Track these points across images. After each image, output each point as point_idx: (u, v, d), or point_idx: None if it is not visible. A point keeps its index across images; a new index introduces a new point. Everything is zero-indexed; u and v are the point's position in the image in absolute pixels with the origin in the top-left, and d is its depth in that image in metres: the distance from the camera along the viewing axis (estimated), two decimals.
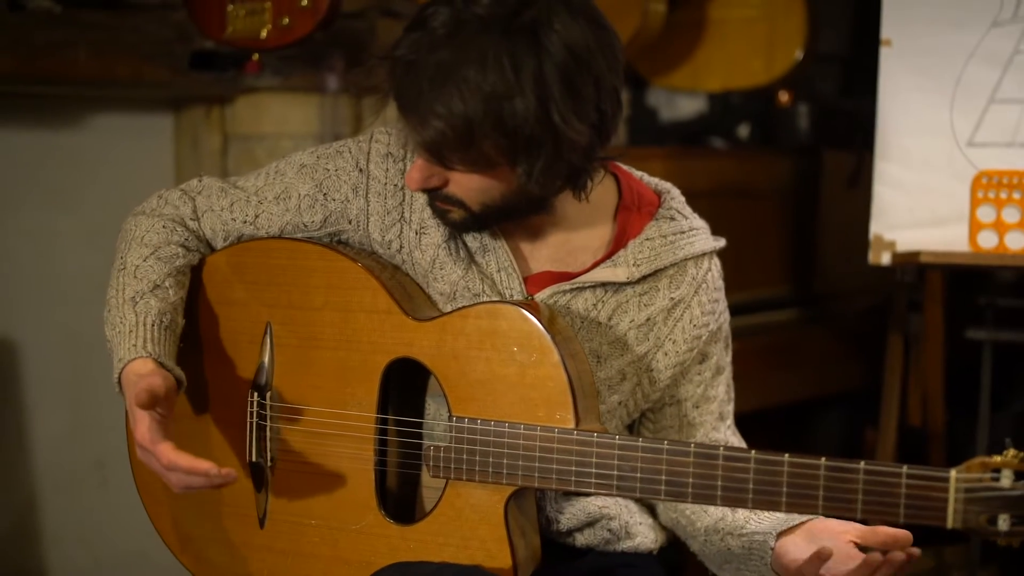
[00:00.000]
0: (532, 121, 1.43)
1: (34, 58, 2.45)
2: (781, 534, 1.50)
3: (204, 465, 1.48)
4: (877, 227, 2.48)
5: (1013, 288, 2.97)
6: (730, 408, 1.72)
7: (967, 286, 2.92)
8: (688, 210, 1.69)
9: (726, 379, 1.70)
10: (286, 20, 2.36)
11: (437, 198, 1.55)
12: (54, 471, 2.76)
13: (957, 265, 2.46)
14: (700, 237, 1.66)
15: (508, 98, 1.42)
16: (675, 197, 1.69)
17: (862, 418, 3.14)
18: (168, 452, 1.48)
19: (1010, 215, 2.36)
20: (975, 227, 2.38)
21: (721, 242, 1.69)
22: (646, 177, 1.71)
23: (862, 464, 1.35)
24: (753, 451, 1.40)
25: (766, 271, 3.09)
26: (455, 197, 1.54)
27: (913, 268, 2.50)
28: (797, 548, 1.48)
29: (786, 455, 1.38)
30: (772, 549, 1.51)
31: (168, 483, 1.52)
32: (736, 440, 1.71)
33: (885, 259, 2.46)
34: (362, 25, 2.87)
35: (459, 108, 1.42)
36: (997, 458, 1.31)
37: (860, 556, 1.42)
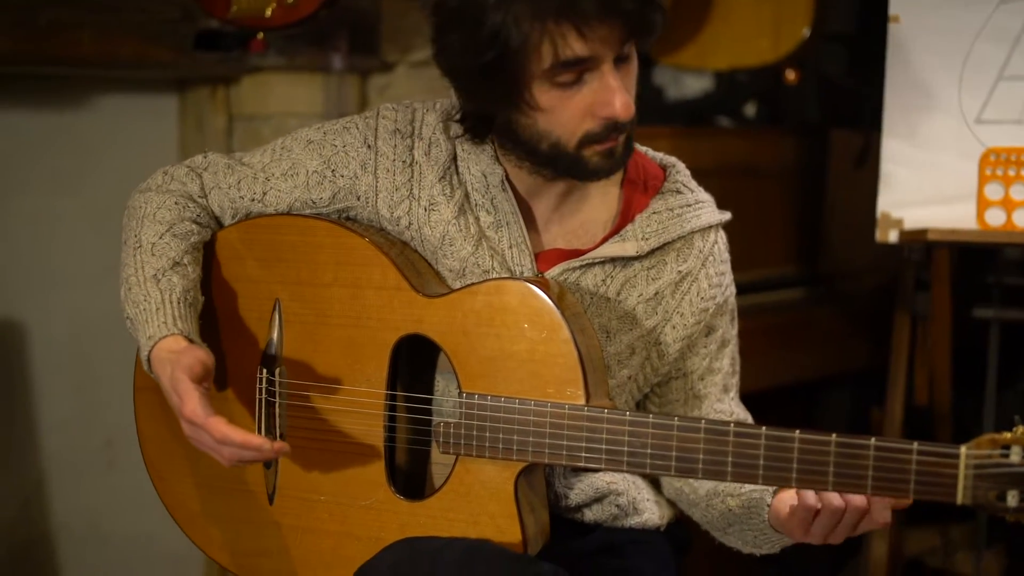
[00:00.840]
0: None
1: (38, 39, 2.45)
2: (777, 491, 1.51)
3: (257, 439, 1.49)
4: (884, 204, 2.47)
5: (1021, 266, 2.96)
6: (735, 381, 1.72)
7: (974, 264, 2.91)
8: (693, 183, 1.69)
9: (731, 352, 1.71)
10: None
11: (621, 127, 1.50)
12: (61, 453, 2.76)
13: (965, 243, 2.45)
14: (706, 210, 1.66)
15: None
16: (680, 171, 1.69)
17: (869, 397, 3.13)
18: (221, 426, 1.49)
19: (1018, 192, 2.35)
20: (983, 205, 2.37)
21: (727, 215, 1.69)
22: (651, 152, 1.71)
23: (872, 440, 1.35)
24: (764, 427, 1.40)
25: (773, 250, 3.08)
26: (631, 113, 1.50)
27: (920, 246, 2.49)
28: (792, 500, 1.48)
29: (797, 431, 1.38)
30: (769, 506, 1.52)
31: (219, 457, 1.52)
32: (741, 412, 1.71)
33: (892, 237, 2.45)
34: (367, 4, 2.86)
35: None
36: (1007, 434, 1.31)
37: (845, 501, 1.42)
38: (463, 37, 1.46)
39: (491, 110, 1.54)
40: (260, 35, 2.51)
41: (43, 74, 2.65)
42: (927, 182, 2.43)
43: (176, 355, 1.53)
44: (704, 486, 1.64)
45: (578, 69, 1.46)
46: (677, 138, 2.82)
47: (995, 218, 2.37)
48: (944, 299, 2.64)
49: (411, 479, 1.61)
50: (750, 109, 3.54)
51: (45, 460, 2.74)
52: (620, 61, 1.48)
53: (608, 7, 1.41)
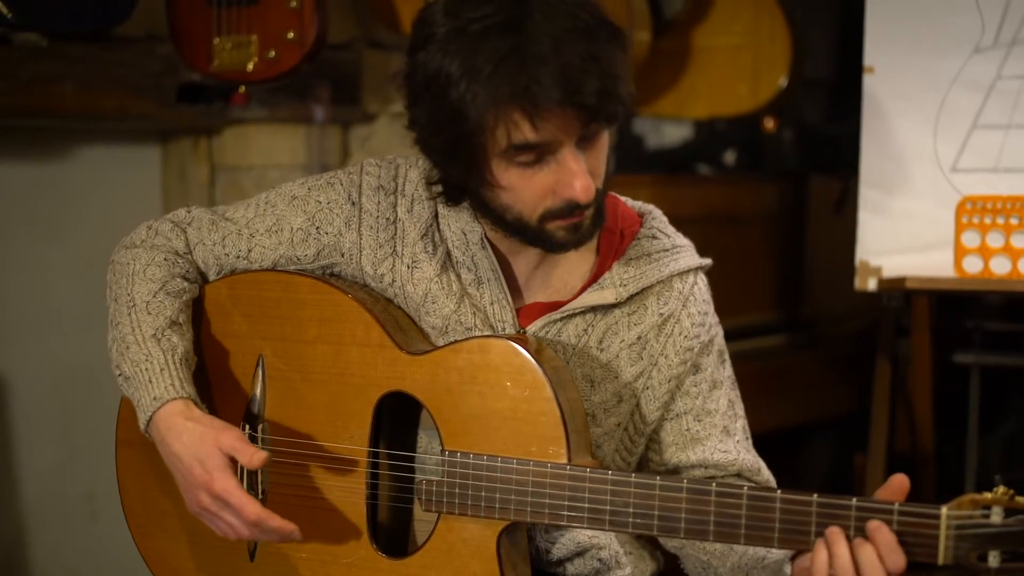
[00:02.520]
0: None
1: (21, 92, 2.46)
2: (795, 556, 1.49)
3: (291, 525, 1.51)
4: (863, 253, 2.49)
5: (1000, 311, 2.98)
6: (738, 425, 1.68)
7: (954, 310, 2.93)
8: (671, 229, 1.69)
9: (726, 393, 1.68)
10: (272, 53, 2.37)
11: (584, 204, 1.49)
12: (43, 504, 2.74)
13: (943, 291, 2.47)
14: (685, 254, 1.66)
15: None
16: (656, 217, 1.69)
17: (852, 443, 3.14)
18: (255, 507, 1.50)
19: (994, 240, 2.38)
20: (960, 252, 2.39)
21: (707, 261, 1.69)
22: (628, 201, 1.72)
23: (854, 501, 1.34)
24: (745, 486, 1.40)
25: (754, 297, 3.10)
26: (596, 188, 1.50)
27: (900, 293, 2.51)
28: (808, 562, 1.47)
29: (778, 492, 1.38)
30: (789, 574, 1.50)
31: (230, 533, 1.53)
32: (751, 458, 1.68)
33: (871, 285, 2.47)
34: (348, 56, 2.88)
35: (609, 54, 1.44)
36: (987, 495, 1.31)
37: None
38: (428, 111, 1.48)
39: (458, 182, 1.55)
40: (242, 88, 2.53)
41: (27, 126, 2.66)
42: (904, 230, 2.46)
43: (208, 426, 1.53)
44: (730, 559, 1.62)
45: (535, 152, 1.46)
46: (658, 186, 2.85)
47: (972, 266, 2.39)
48: (924, 346, 2.66)
49: (394, 536, 1.60)
50: (730, 157, 3.58)
51: (27, 510, 2.73)
52: (585, 141, 1.48)
53: (563, 99, 1.40)
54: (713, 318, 1.69)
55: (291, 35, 2.37)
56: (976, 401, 2.69)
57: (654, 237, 1.66)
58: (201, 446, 1.52)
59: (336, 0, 2.64)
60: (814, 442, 3.39)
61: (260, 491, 1.63)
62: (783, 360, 3.11)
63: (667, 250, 1.65)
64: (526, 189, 1.49)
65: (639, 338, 1.62)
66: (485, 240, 1.61)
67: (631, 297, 1.62)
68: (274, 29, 2.38)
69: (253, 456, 1.51)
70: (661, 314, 1.63)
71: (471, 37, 1.43)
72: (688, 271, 1.66)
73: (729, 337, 2.65)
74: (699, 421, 1.66)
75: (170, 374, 1.57)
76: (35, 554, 2.73)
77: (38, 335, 2.74)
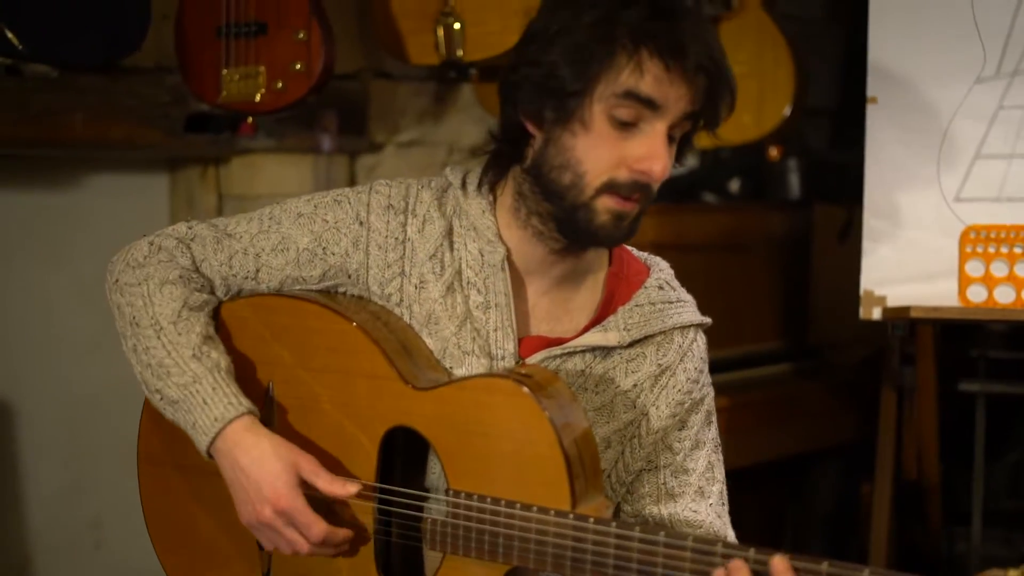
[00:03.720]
0: None
1: (31, 122, 2.47)
2: None
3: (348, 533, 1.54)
4: (867, 282, 2.49)
5: (1005, 340, 2.98)
6: (715, 489, 1.65)
7: (959, 338, 2.93)
8: (676, 283, 1.70)
9: (707, 455, 1.66)
10: (280, 84, 2.39)
11: (643, 191, 1.51)
12: (48, 532, 2.74)
13: (947, 320, 2.47)
14: (688, 309, 1.67)
15: None
16: (664, 269, 1.70)
17: (858, 471, 3.13)
18: (324, 528, 1.52)
19: (998, 269, 2.38)
20: (964, 281, 2.40)
21: (708, 320, 1.70)
22: (635, 251, 1.73)
23: (867, 572, 1.27)
24: (752, 548, 1.34)
25: (759, 325, 3.10)
26: (654, 188, 1.52)
27: (904, 322, 2.51)
28: None
29: (780, 555, 1.32)
30: None
31: (288, 548, 1.54)
32: (719, 523, 1.65)
33: (876, 314, 2.47)
34: (355, 86, 2.90)
35: (730, 70, 1.49)
36: (1012, 572, 1.25)
37: None
38: (571, 14, 1.48)
39: (539, 117, 1.52)
40: (250, 119, 2.55)
41: (36, 155, 2.68)
42: (909, 259, 2.46)
43: (286, 447, 1.53)
44: None
45: (638, 110, 1.46)
46: (663, 215, 2.85)
47: (977, 295, 2.39)
48: (929, 374, 2.66)
49: (407, 570, 1.60)
50: (735, 185, 3.58)
51: (31, 538, 2.73)
52: (669, 140, 1.49)
53: (697, 64, 1.44)
54: (707, 377, 1.69)
55: (299, 66, 2.39)
56: (982, 429, 2.69)
57: (660, 288, 1.66)
58: (275, 462, 1.51)
59: (343, 30, 2.66)
60: (820, 470, 3.37)
61: None
62: (788, 388, 3.10)
63: (672, 302, 1.65)
64: (606, 147, 1.48)
65: (635, 386, 1.62)
66: (506, 262, 1.60)
67: (632, 344, 1.62)
68: (282, 60, 2.40)
69: (343, 485, 1.52)
70: (659, 365, 1.63)
71: None
72: (690, 327, 1.66)
73: (734, 366, 2.65)
74: (675, 477, 1.64)
75: (224, 392, 1.55)
76: None
77: (45, 362, 2.75)
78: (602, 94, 1.47)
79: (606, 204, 1.51)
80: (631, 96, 1.46)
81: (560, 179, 1.52)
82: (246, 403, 1.55)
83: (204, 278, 1.67)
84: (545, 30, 1.50)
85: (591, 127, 1.49)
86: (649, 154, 1.47)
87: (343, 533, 1.54)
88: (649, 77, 1.45)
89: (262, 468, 1.52)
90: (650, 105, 1.46)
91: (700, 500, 1.65)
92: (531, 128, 1.54)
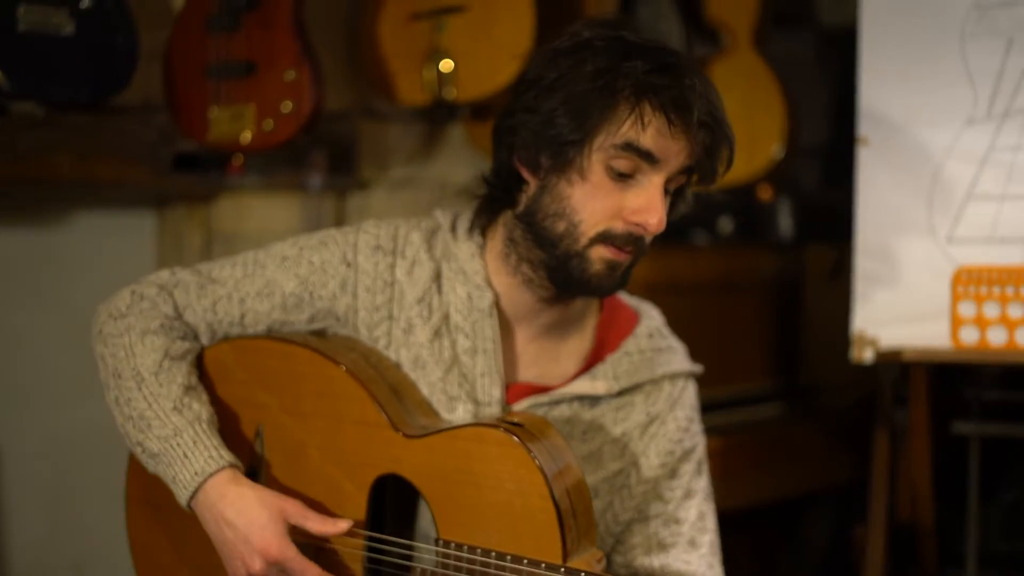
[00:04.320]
0: None
1: (17, 161, 2.46)
2: None
3: None
4: (859, 323, 2.48)
5: (998, 380, 2.96)
6: (706, 539, 1.65)
7: (952, 379, 2.92)
8: (667, 330, 1.69)
9: (698, 504, 1.65)
10: (269, 124, 2.38)
11: (637, 244, 1.51)
12: (31, 575, 2.70)
13: (940, 362, 2.45)
14: (678, 357, 1.66)
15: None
16: (654, 317, 1.69)
17: (852, 513, 3.11)
18: (319, 572, 1.50)
19: (991, 311, 2.37)
20: (956, 323, 2.38)
21: (699, 368, 1.68)
22: (625, 296, 1.71)
23: None
24: None
25: (751, 366, 3.08)
26: (648, 241, 1.52)
27: (896, 364, 2.50)
28: None
29: None
30: None
31: None
32: (711, 574, 1.65)
33: (868, 356, 2.45)
34: (344, 125, 2.89)
35: (729, 127, 1.51)
36: None
37: None
38: (575, 62, 1.47)
39: (536, 164, 1.51)
40: (239, 159, 2.54)
41: (21, 194, 2.67)
42: (900, 300, 2.45)
43: (269, 494, 1.52)
44: None
45: (635, 162, 1.46)
46: (653, 255, 2.82)
47: (969, 336, 2.37)
48: (922, 416, 2.64)
49: None
50: (726, 225, 3.58)
51: None
52: (667, 192, 1.50)
53: (698, 120, 1.45)
54: (698, 426, 1.67)
55: (288, 106, 2.38)
56: (976, 471, 2.67)
57: (650, 335, 1.65)
58: (260, 511, 1.49)
59: (333, 69, 2.66)
60: (812, 513, 3.35)
61: None
62: (780, 430, 3.08)
63: (661, 350, 1.65)
64: (602, 198, 1.48)
65: (623, 434, 1.61)
66: (494, 308, 1.58)
67: (621, 392, 1.60)
68: (271, 100, 2.39)
69: (334, 524, 1.50)
70: (648, 414, 1.62)
71: (628, 43, 1.49)
72: (679, 375, 1.65)
73: (725, 406, 2.64)
74: (667, 527, 1.63)
75: (204, 445, 1.54)
76: None
77: (29, 403, 2.72)
78: (601, 144, 1.47)
79: (600, 254, 1.50)
80: (631, 148, 1.46)
81: (554, 227, 1.50)
82: (227, 456, 1.54)
83: (187, 325, 1.66)
84: (543, 77, 1.50)
85: (588, 177, 1.48)
86: (646, 207, 1.47)
87: None
88: (651, 130, 1.45)
89: (248, 519, 1.50)
90: (649, 159, 1.46)
91: (691, 551, 1.63)
92: (526, 174, 1.53)
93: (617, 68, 1.45)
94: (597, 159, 1.47)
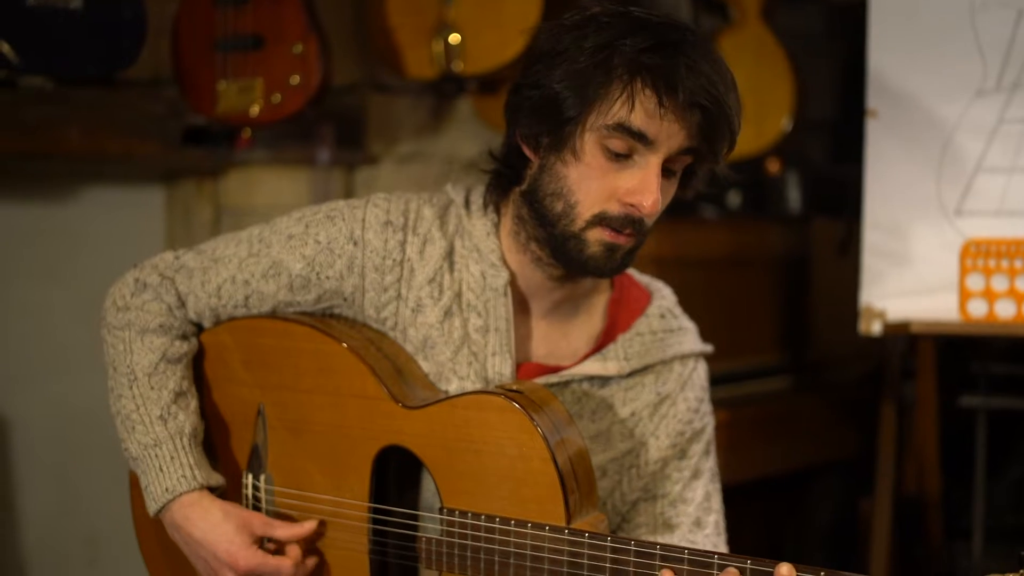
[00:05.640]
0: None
1: (27, 135, 2.47)
2: None
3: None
4: (867, 296, 2.48)
5: (1006, 354, 2.96)
6: (711, 519, 1.65)
7: (960, 352, 2.92)
8: (679, 310, 1.68)
9: (704, 485, 1.65)
10: (277, 97, 2.38)
11: (635, 226, 1.47)
12: (43, 549, 2.72)
13: (947, 335, 2.46)
14: (689, 337, 1.66)
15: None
16: (666, 296, 1.68)
17: (858, 486, 3.12)
18: (290, 564, 1.51)
19: (999, 283, 2.37)
20: (964, 296, 2.38)
21: (709, 347, 1.68)
22: (637, 274, 1.70)
23: None
24: (749, 560, 1.34)
25: (758, 340, 3.09)
26: (648, 223, 1.47)
27: (904, 337, 2.50)
28: None
29: (784, 566, 1.31)
30: None
31: None
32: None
33: (876, 328, 2.46)
34: (352, 99, 2.89)
35: (735, 103, 1.46)
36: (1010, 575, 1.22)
37: None
38: (577, 38, 1.44)
39: (536, 142, 1.49)
40: (247, 132, 2.54)
41: (31, 169, 2.67)
42: (908, 274, 2.45)
43: (232, 509, 1.54)
44: None
45: (629, 143, 1.42)
46: (662, 230, 2.82)
47: (977, 309, 2.38)
48: (929, 389, 2.65)
49: None
50: (734, 199, 3.57)
51: (26, 555, 2.70)
52: (666, 173, 1.46)
53: (692, 97, 1.40)
54: (707, 406, 1.67)
55: (296, 79, 2.38)
56: (983, 444, 2.67)
57: (662, 316, 1.64)
58: (226, 526, 1.52)
59: (340, 44, 2.65)
60: (819, 485, 3.36)
61: (265, 541, 1.61)
62: (787, 403, 3.09)
63: (673, 331, 1.64)
64: (598, 179, 1.45)
65: (632, 415, 1.60)
66: (508, 287, 1.58)
67: (631, 373, 1.60)
68: (279, 73, 2.39)
69: (300, 525, 1.53)
70: (658, 394, 1.61)
71: (632, 19, 1.44)
72: (690, 355, 1.64)
73: (733, 379, 2.63)
74: (674, 507, 1.63)
75: (180, 463, 1.56)
76: None
77: (41, 377, 2.73)
78: (594, 124, 1.44)
79: (598, 236, 1.47)
80: (623, 129, 1.42)
81: (553, 207, 1.49)
82: (200, 477, 1.56)
83: (189, 315, 1.66)
84: (547, 52, 1.47)
85: (582, 157, 1.45)
86: (640, 187, 1.43)
87: (312, 560, 1.53)
88: (640, 110, 1.41)
89: (215, 535, 1.53)
90: (642, 139, 1.42)
91: (696, 531, 1.63)
92: (527, 152, 1.52)
93: (615, 44, 1.42)
94: (592, 139, 1.44)
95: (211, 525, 1.53)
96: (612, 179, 1.45)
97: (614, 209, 1.45)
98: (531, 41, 1.51)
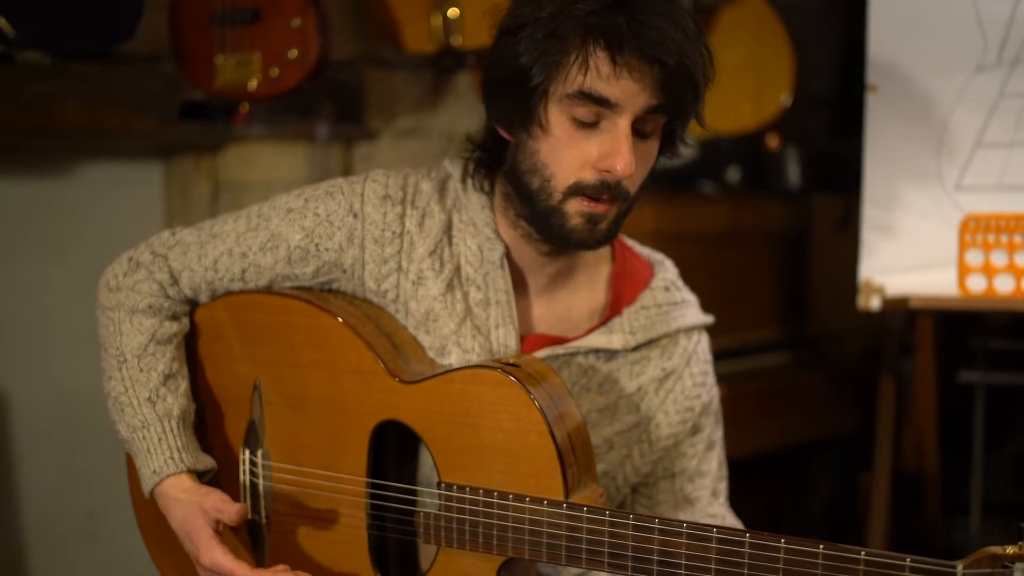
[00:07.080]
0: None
1: (24, 111, 2.46)
2: None
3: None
4: (866, 272, 2.48)
5: (1005, 330, 2.97)
6: (723, 486, 1.68)
7: (959, 328, 2.92)
8: (680, 282, 1.68)
9: (718, 455, 1.67)
10: (275, 71, 2.37)
11: (614, 192, 1.45)
12: (43, 524, 2.73)
13: (947, 310, 2.46)
14: (692, 311, 1.66)
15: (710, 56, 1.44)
16: (668, 268, 1.68)
17: (857, 462, 3.12)
18: (248, 572, 1.49)
19: (998, 259, 2.36)
20: (964, 271, 2.38)
21: (710, 318, 1.69)
22: (637, 246, 1.70)
23: (863, 553, 1.27)
24: (748, 533, 1.34)
25: (758, 315, 3.09)
26: (628, 188, 1.45)
27: (903, 313, 2.50)
28: None
29: (782, 539, 1.32)
30: None
31: None
32: (732, 519, 1.67)
33: (875, 304, 2.46)
34: (351, 74, 2.88)
35: (698, 53, 1.42)
36: (1009, 549, 1.22)
37: None
38: (532, 9, 1.43)
39: (508, 121, 1.48)
40: (244, 107, 2.53)
41: (29, 144, 2.66)
42: (908, 249, 2.45)
43: (193, 496, 1.53)
44: None
45: (595, 109, 1.41)
46: (661, 205, 2.84)
47: (976, 284, 2.38)
48: (928, 365, 2.64)
49: (405, 564, 1.59)
50: (733, 175, 3.57)
51: (26, 530, 2.71)
52: (639, 136, 1.45)
53: (650, 53, 1.38)
54: (712, 378, 1.68)
55: (294, 53, 2.37)
56: (982, 420, 2.68)
57: (667, 289, 1.64)
58: (189, 519, 1.53)
59: (339, 18, 2.64)
60: (818, 461, 3.37)
61: (264, 517, 1.62)
62: (787, 379, 3.09)
63: (677, 303, 1.64)
64: (569, 149, 1.44)
65: (639, 389, 1.61)
66: (505, 259, 1.58)
67: (637, 346, 1.60)
68: (277, 47, 2.38)
69: (233, 512, 1.50)
70: (664, 369, 1.62)
71: None
72: (693, 328, 1.65)
73: (733, 355, 2.63)
74: (692, 482, 1.64)
75: (168, 444, 1.56)
76: (34, 574, 2.72)
77: (39, 353, 2.73)
78: (557, 94, 1.43)
79: (576, 207, 1.47)
80: (584, 96, 1.41)
81: (531, 183, 1.49)
82: (187, 460, 1.56)
83: (181, 295, 1.65)
84: (512, 26, 1.46)
85: (550, 129, 1.44)
86: (611, 151, 1.42)
87: (270, 572, 1.51)
88: (596, 73, 1.40)
89: (185, 530, 1.54)
90: (605, 103, 1.41)
91: (715, 501, 1.66)
92: (503, 133, 1.52)
93: (567, 10, 1.40)
94: (557, 110, 1.43)
95: (183, 515, 1.54)
96: (583, 148, 1.44)
97: (589, 177, 1.45)
98: (498, 17, 1.50)
